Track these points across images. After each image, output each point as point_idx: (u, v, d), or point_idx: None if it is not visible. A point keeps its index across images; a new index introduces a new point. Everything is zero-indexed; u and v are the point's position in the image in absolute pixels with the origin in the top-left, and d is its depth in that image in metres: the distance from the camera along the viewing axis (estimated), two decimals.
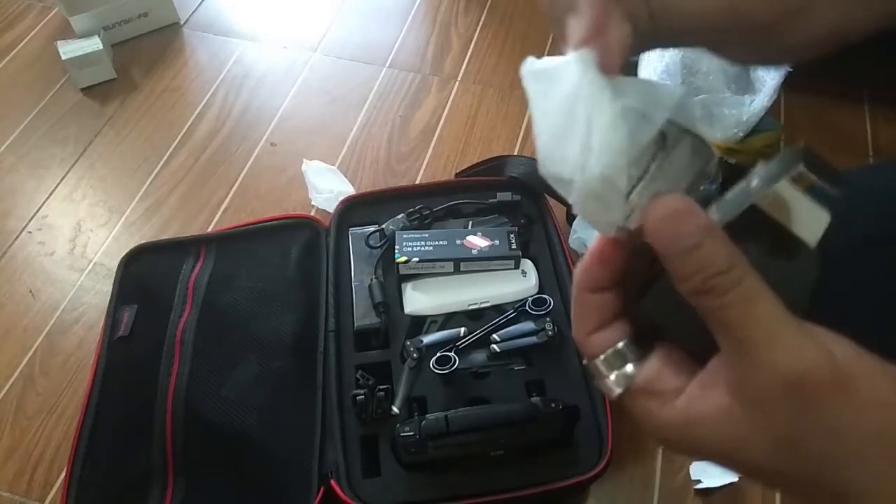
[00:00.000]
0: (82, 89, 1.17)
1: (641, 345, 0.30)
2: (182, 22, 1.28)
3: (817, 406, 0.25)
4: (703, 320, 0.27)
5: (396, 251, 0.80)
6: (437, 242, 0.81)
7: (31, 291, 0.95)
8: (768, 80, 0.95)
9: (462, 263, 0.80)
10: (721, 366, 0.27)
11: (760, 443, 0.26)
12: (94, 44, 1.14)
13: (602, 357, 0.30)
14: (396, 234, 0.82)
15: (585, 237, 0.87)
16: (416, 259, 0.79)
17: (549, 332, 0.74)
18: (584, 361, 0.31)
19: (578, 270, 0.31)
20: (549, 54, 1.23)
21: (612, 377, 0.29)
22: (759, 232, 0.26)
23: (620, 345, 0.29)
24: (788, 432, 0.26)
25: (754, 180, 0.27)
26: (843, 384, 0.25)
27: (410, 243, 0.81)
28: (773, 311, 0.26)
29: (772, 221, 0.26)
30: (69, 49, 1.14)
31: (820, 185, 0.26)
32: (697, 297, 0.26)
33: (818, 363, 0.25)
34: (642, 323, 0.30)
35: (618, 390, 0.29)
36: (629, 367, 0.29)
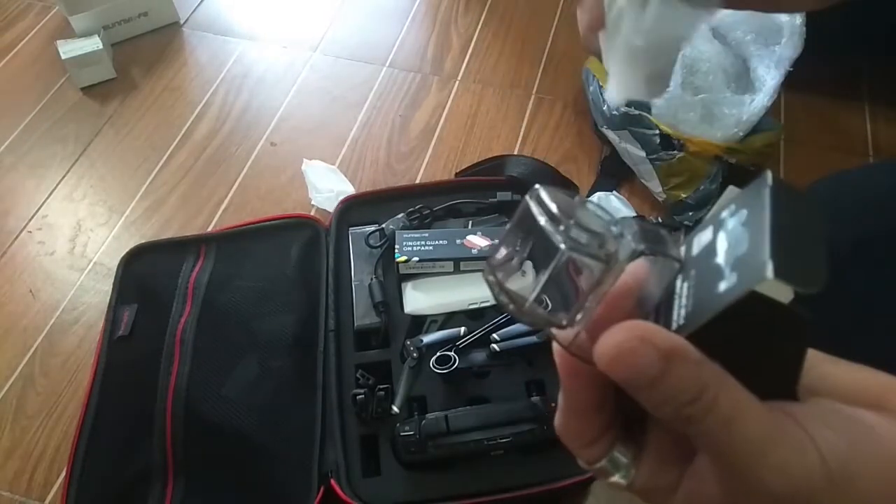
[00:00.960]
0: (82, 89, 1.17)
1: (631, 437, 0.28)
2: (182, 22, 1.28)
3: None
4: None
5: (396, 251, 0.80)
6: (436, 242, 0.81)
7: (31, 291, 0.95)
8: (768, 79, 0.95)
9: (462, 263, 0.80)
10: (712, 469, 0.25)
11: None
12: (94, 43, 1.14)
13: (598, 466, 0.28)
14: (396, 234, 0.82)
15: None
16: (416, 259, 0.79)
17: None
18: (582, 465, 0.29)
19: (561, 388, 0.28)
20: (549, 54, 1.23)
21: (615, 478, 0.28)
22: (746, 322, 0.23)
23: (613, 455, 0.27)
24: None
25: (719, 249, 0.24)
26: (838, 491, 0.23)
27: (410, 243, 0.81)
28: (753, 427, 0.23)
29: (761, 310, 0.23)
30: (69, 49, 1.14)
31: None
32: (673, 424, 0.24)
33: (808, 476, 0.23)
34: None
35: (624, 483, 0.27)
36: (626, 469, 0.27)
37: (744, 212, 0.24)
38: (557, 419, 0.29)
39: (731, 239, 0.23)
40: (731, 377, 0.23)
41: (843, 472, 0.23)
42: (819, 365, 0.26)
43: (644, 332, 0.23)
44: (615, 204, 0.90)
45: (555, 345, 0.27)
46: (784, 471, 0.23)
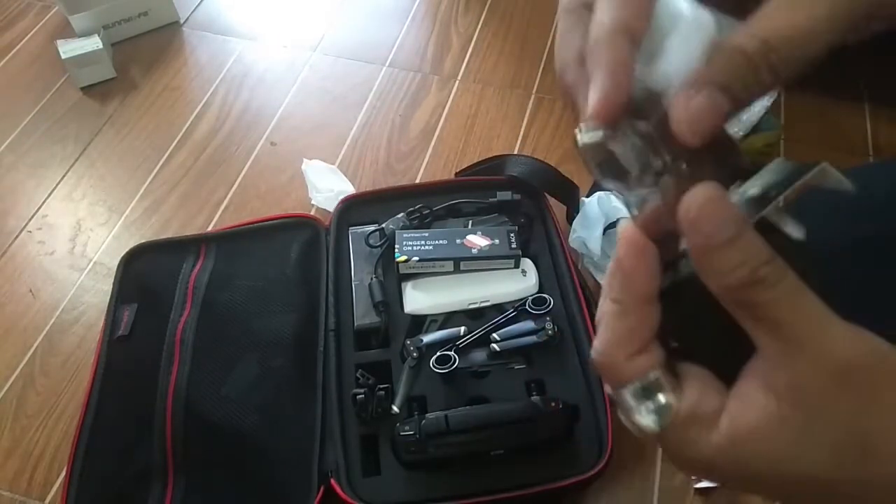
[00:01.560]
0: (82, 88, 1.17)
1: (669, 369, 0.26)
2: (182, 21, 1.28)
3: (883, 395, 0.23)
4: (733, 326, 0.25)
5: (396, 250, 0.80)
6: (436, 241, 0.81)
7: (31, 291, 0.95)
8: None
9: (462, 263, 0.80)
10: (765, 371, 0.24)
11: (821, 447, 0.24)
12: (94, 43, 1.14)
13: (632, 388, 0.26)
14: (396, 234, 0.82)
15: (585, 236, 0.87)
16: (416, 258, 0.79)
17: (549, 332, 0.74)
18: (608, 390, 0.27)
19: (619, 279, 0.26)
20: (549, 53, 1.22)
21: (644, 411, 0.26)
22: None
23: (654, 374, 0.26)
24: (853, 430, 0.23)
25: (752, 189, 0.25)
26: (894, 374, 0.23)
27: (410, 242, 0.81)
28: (819, 303, 0.24)
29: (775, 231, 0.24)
30: (69, 48, 1.14)
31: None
32: (742, 292, 0.24)
33: (877, 349, 0.23)
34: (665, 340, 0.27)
35: (653, 427, 0.26)
36: (662, 398, 0.26)
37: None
38: (607, 323, 0.27)
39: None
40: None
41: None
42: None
43: (725, 195, 0.24)
44: (615, 203, 0.89)
45: (623, 226, 0.27)
46: (852, 342, 0.23)
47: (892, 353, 0.23)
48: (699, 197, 0.24)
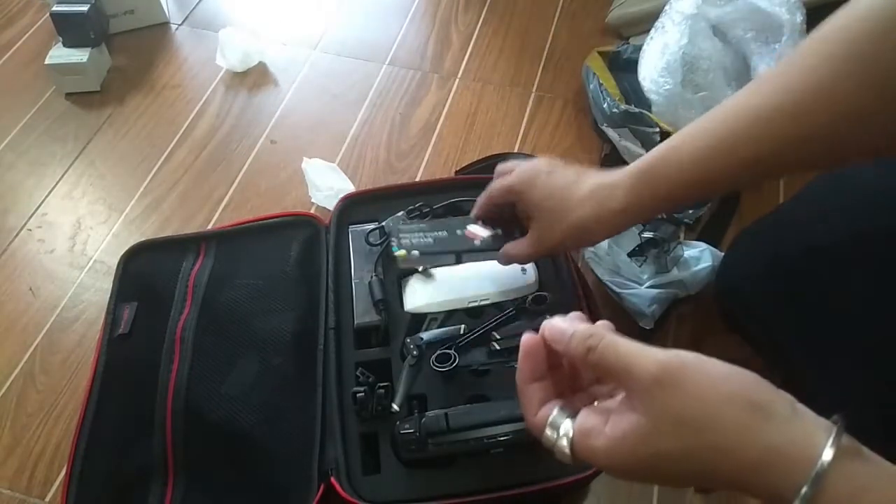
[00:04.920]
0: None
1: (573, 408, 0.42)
2: (182, 19, 1.28)
3: (682, 384, 0.36)
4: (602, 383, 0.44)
5: (393, 244, 0.78)
6: (436, 234, 0.80)
7: (31, 289, 0.95)
8: None
9: (464, 255, 0.78)
10: (623, 398, 0.39)
11: (665, 431, 0.36)
12: (80, 55, 1.13)
13: (546, 430, 0.41)
14: (392, 227, 0.81)
15: None
16: (416, 252, 0.78)
17: None
18: (542, 441, 0.42)
19: (518, 369, 0.45)
20: (549, 52, 1.22)
21: (559, 441, 0.41)
22: None
23: (554, 412, 0.42)
24: (677, 412, 0.35)
25: None
26: (694, 367, 0.36)
27: (408, 235, 0.79)
28: (627, 344, 0.39)
29: None
30: (57, 55, 1.13)
31: None
32: (586, 360, 0.40)
33: (670, 358, 0.37)
34: None
35: (567, 449, 0.40)
36: (567, 425, 0.40)
37: None
38: (521, 389, 0.45)
39: None
40: (611, 333, 0.40)
41: (693, 360, 0.37)
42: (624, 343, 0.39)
43: (553, 328, 0.44)
44: None
45: (526, 337, 0.45)
46: (653, 358, 0.37)
47: (680, 360, 0.37)
48: (546, 325, 0.44)
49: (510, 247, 0.69)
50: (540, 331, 0.43)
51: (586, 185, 0.61)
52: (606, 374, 0.40)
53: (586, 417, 0.40)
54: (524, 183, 0.65)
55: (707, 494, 0.77)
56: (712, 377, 0.36)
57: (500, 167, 0.70)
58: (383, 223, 0.85)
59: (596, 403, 0.42)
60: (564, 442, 0.40)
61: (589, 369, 0.41)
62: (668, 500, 0.76)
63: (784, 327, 0.69)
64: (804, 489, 0.32)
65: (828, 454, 0.32)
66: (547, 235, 0.64)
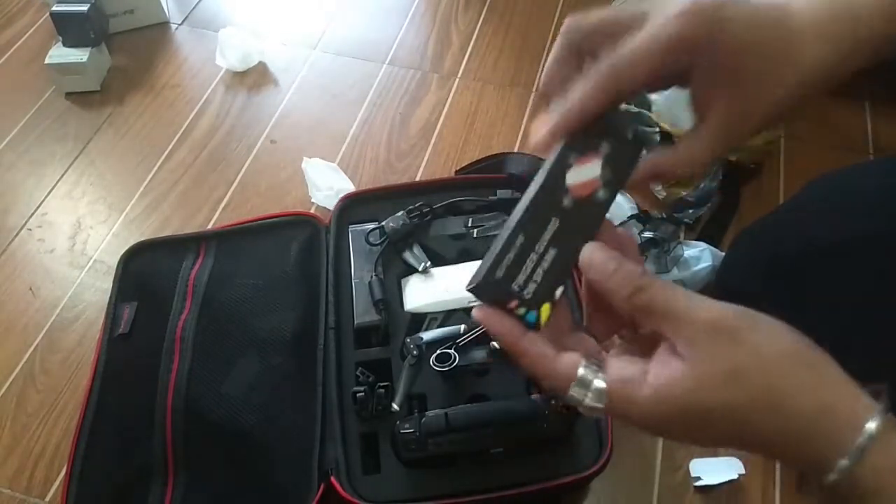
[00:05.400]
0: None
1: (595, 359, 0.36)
2: (182, 19, 1.27)
3: (739, 335, 0.33)
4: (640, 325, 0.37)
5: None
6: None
7: (31, 289, 0.95)
8: None
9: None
10: (666, 344, 0.35)
11: (717, 381, 0.33)
12: (80, 55, 1.13)
13: (572, 389, 0.35)
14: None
15: None
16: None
17: None
18: (561, 398, 0.36)
19: (499, 343, 0.38)
20: (548, 51, 1.22)
21: (589, 399, 0.35)
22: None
23: (580, 372, 0.35)
24: (732, 363, 0.33)
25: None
26: (750, 319, 0.34)
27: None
28: (679, 289, 0.35)
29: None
30: (57, 54, 1.13)
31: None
32: (631, 300, 0.35)
33: (726, 308, 0.34)
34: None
35: (600, 405, 0.35)
36: (595, 383, 0.35)
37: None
38: (525, 366, 0.37)
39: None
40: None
41: (750, 314, 0.34)
42: (685, 298, 0.34)
43: (603, 249, 0.37)
44: (617, 199, 0.90)
45: (474, 313, 0.38)
46: (708, 307, 0.34)
47: (735, 311, 0.34)
48: (587, 252, 0.37)
49: (673, 153, 0.39)
50: (582, 254, 0.37)
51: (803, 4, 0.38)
52: (651, 319, 0.35)
53: (623, 366, 0.35)
54: (707, 21, 0.35)
55: (708, 493, 0.77)
56: (769, 331, 0.34)
57: (587, 23, 0.38)
58: (383, 223, 0.85)
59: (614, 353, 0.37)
60: (596, 402, 0.35)
61: (627, 310, 0.35)
62: (668, 499, 0.77)
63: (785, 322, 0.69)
64: (849, 456, 0.31)
65: (874, 422, 0.32)
66: (754, 105, 0.38)
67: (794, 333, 0.34)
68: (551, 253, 0.37)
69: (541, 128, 0.38)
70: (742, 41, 0.36)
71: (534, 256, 0.37)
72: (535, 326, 0.37)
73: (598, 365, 0.35)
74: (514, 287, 0.36)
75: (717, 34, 0.35)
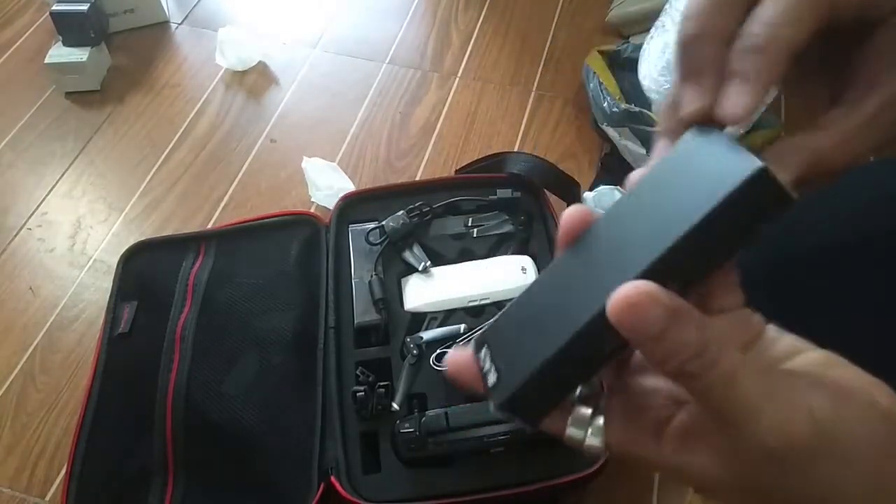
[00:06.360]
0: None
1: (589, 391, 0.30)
2: (182, 18, 1.27)
3: (800, 471, 0.25)
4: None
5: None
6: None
7: (31, 288, 0.95)
8: None
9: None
10: (703, 425, 0.27)
11: (739, 492, 0.26)
12: (80, 55, 1.13)
13: (569, 430, 0.29)
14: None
15: None
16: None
17: None
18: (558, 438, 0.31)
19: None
20: (549, 51, 1.22)
21: (589, 438, 0.29)
22: None
23: (579, 412, 0.29)
24: (769, 490, 0.26)
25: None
26: (824, 447, 0.25)
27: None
28: (752, 384, 0.25)
29: None
30: (56, 54, 1.13)
31: None
32: (676, 379, 0.25)
33: (801, 432, 0.24)
34: None
35: (599, 444, 0.29)
36: (596, 421, 0.29)
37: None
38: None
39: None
40: (730, 341, 0.25)
41: (830, 431, 0.24)
42: (784, 337, 0.27)
43: (651, 290, 0.23)
44: (615, 196, 0.90)
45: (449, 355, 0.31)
46: (780, 428, 0.24)
47: (812, 433, 0.24)
48: (619, 300, 0.24)
49: (826, 136, 0.30)
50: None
51: None
52: (702, 405, 0.26)
53: (625, 427, 0.28)
54: None
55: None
56: (855, 461, 0.25)
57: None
58: (383, 222, 0.85)
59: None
60: (596, 441, 0.29)
61: (663, 372, 0.25)
62: (668, 499, 0.77)
63: (789, 328, 0.69)
64: None
65: None
66: None
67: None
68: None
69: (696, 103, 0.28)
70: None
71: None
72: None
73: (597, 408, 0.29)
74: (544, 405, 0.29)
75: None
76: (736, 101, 0.27)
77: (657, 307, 0.23)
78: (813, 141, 0.29)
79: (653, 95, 0.98)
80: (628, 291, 0.23)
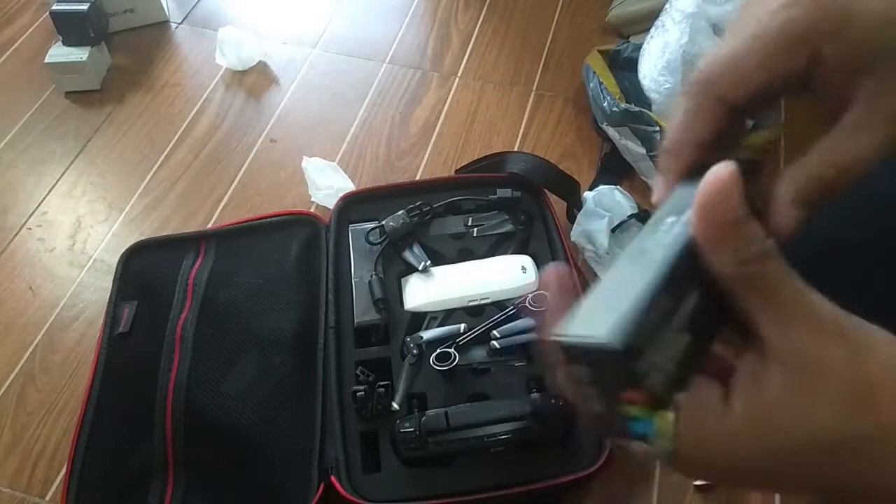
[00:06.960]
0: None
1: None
2: (182, 18, 1.27)
3: (878, 348, 0.25)
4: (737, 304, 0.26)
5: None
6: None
7: (31, 288, 0.95)
8: None
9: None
10: (767, 347, 0.26)
11: (831, 403, 0.24)
12: (80, 54, 1.13)
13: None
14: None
15: (591, 230, 0.87)
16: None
17: None
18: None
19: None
20: (549, 50, 1.22)
21: (652, 437, 0.26)
22: None
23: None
24: (855, 382, 0.24)
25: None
26: (878, 331, 0.26)
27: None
28: (800, 280, 0.26)
29: None
30: (56, 53, 1.13)
31: None
32: (754, 266, 0.25)
33: (847, 315, 0.26)
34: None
35: (668, 445, 0.26)
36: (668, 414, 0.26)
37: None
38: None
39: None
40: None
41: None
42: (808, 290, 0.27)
43: (738, 181, 0.26)
44: (618, 198, 0.89)
45: None
46: (831, 304, 0.26)
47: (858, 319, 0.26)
48: (714, 179, 0.26)
49: (842, 145, 0.30)
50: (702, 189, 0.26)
51: None
52: (760, 297, 0.25)
53: (696, 390, 0.26)
54: (827, 16, 0.29)
55: (708, 492, 0.77)
56: None
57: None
58: (383, 222, 0.85)
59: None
60: (665, 442, 0.26)
61: (729, 277, 0.26)
62: (668, 499, 0.76)
63: None
64: None
65: None
66: None
67: None
68: (685, 337, 0.26)
69: (657, 182, 0.33)
70: (874, 33, 0.29)
71: (670, 335, 0.25)
72: (643, 438, 0.26)
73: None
74: (642, 367, 0.24)
75: (840, 32, 0.29)
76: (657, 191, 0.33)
77: (739, 197, 0.26)
78: (824, 169, 0.30)
79: (653, 95, 0.97)
80: (720, 171, 0.26)
